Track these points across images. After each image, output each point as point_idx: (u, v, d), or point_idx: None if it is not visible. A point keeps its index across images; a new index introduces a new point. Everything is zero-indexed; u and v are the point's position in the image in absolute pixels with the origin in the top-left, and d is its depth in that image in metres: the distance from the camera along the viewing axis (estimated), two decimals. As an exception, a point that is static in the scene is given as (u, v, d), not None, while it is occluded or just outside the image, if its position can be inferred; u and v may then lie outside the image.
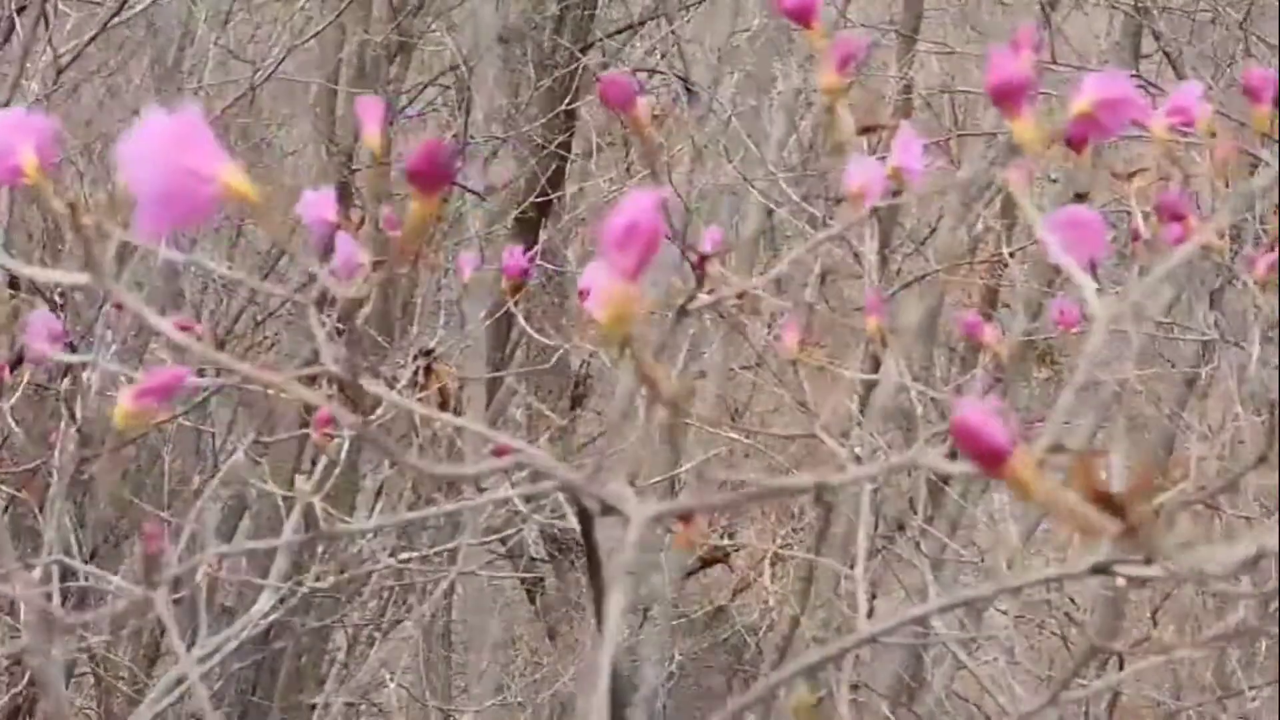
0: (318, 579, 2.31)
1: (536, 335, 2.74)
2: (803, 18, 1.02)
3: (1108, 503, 0.69)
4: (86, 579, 3.48)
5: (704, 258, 0.88)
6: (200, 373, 1.41)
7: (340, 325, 1.09)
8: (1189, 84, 1.14)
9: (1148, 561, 0.79)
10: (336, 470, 2.05)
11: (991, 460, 0.69)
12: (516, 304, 2.09)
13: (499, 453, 1.91)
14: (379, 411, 1.99)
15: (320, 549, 2.38)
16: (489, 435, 1.16)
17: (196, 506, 2.93)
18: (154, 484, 5.73)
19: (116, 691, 4.99)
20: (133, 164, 0.78)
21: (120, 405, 0.97)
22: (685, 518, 0.99)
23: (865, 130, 1.06)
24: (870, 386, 4.22)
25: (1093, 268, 1.03)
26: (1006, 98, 0.81)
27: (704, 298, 0.93)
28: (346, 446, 2.48)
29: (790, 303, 5.28)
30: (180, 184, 0.79)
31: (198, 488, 5.58)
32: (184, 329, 2.03)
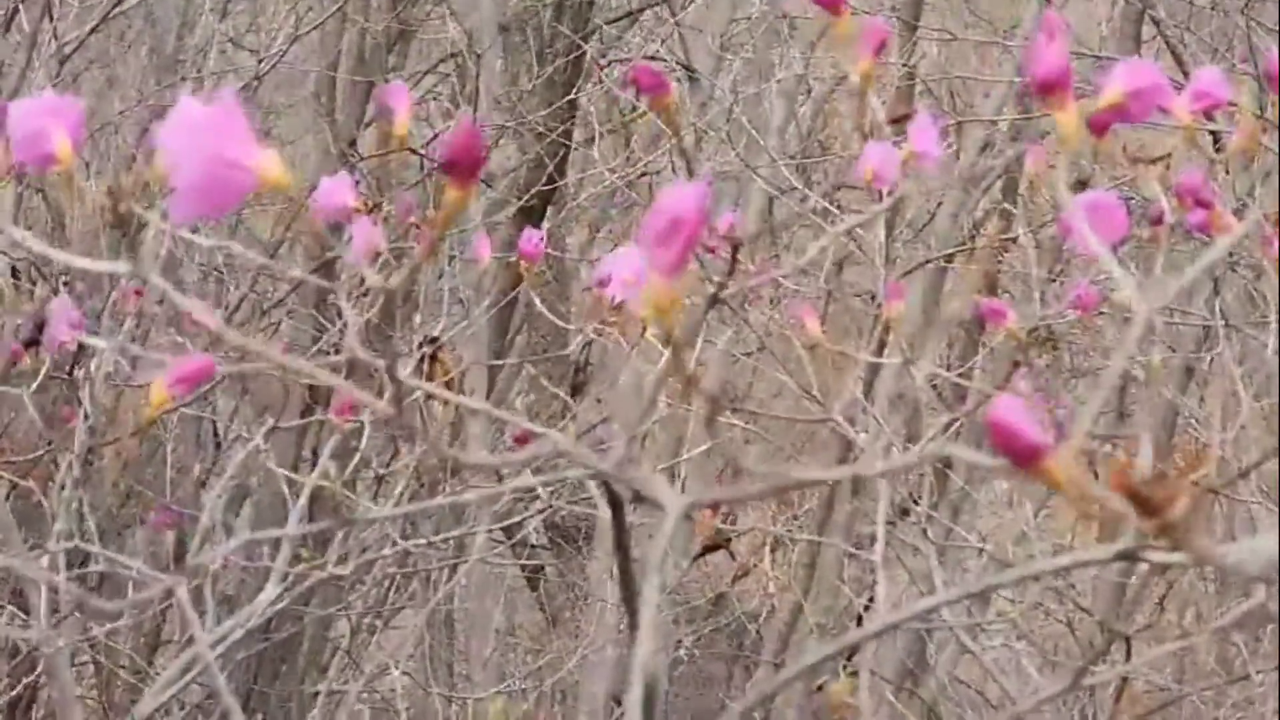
0: (336, 564, 2.31)
1: (551, 316, 2.73)
2: (832, 4, 1.03)
3: (1145, 503, 0.69)
4: (89, 563, 3.47)
5: (736, 246, 0.88)
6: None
7: (355, 312, 1.08)
8: (1210, 70, 1.14)
9: (1175, 548, 0.79)
10: (357, 456, 2.06)
11: (1028, 459, 0.69)
12: (529, 286, 2.10)
13: (520, 439, 1.91)
14: (388, 398, 1.98)
15: (342, 535, 2.38)
16: (508, 418, 1.16)
17: (211, 498, 2.93)
18: (155, 472, 5.72)
19: (117, 679, 4.98)
20: (172, 151, 0.78)
21: (155, 392, 0.97)
22: (714, 507, 0.99)
23: (895, 121, 1.06)
24: (874, 371, 4.22)
25: (1114, 252, 1.04)
26: (1051, 90, 0.81)
27: (735, 284, 0.93)
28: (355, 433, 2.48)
29: (808, 289, 5.28)
30: (217, 172, 0.79)
31: (199, 476, 5.58)
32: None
